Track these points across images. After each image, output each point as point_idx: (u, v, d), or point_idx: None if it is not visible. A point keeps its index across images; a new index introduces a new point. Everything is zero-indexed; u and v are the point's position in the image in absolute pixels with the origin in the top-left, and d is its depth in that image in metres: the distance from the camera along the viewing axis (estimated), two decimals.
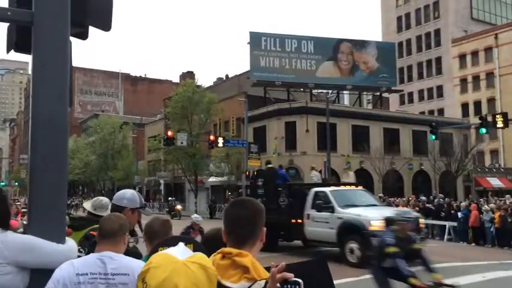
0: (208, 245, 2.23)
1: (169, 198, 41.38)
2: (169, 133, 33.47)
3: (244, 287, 1.63)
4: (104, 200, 4.17)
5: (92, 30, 3.30)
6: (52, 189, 2.59)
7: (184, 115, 40.15)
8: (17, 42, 3.09)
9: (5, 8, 2.87)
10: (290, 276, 1.51)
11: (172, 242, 1.72)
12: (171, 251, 1.64)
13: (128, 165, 52.59)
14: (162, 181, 51.97)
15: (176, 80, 68.23)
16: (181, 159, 40.35)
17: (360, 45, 44.49)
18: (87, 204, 4.19)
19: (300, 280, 1.50)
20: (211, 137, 32.78)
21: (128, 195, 3.37)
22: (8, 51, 3.39)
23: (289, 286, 1.50)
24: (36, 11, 2.67)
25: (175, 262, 1.57)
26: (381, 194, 28.31)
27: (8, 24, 3.09)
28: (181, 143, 33.57)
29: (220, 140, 32.08)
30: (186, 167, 40.88)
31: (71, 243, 2.60)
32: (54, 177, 2.60)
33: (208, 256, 1.74)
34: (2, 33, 3.29)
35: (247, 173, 32.45)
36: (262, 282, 1.60)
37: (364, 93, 48.35)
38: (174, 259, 1.58)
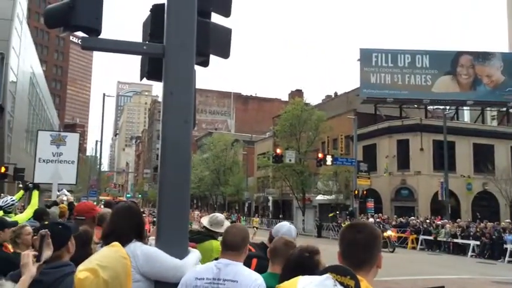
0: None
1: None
2: (278, 150, 34.06)
3: None
4: (220, 217, 4.41)
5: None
6: (177, 204, 2.83)
7: (292, 133, 40.65)
8: (149, 71, 3.46)
9: (141, 43, 3.25)
10: None
11: (337, 271, 1.62)
12: (307, 280, 1.65)
13: (238, 181, 54.55)
14: (270, 198, 52.88)
15: (285, 98, 69.45)
16: (289, 177, 40.74)
17: (482, 57, 41.08)
18: (205, 220, 4.47)
19: None
20: (320, 155, 32.62)
21: (283, 230, 3.42)
22: (141, 78, 3.82)
23: None
24: (167, 44, 2.97)
25: None
26: (508, 220, 25.49)
27: None
28: (290, 160, 33.96)
29: (329, 158, 31.81)
30: (293, 184, 41.16)
31: (190, 258, 2.77)
32: (179, 193, 2.84)
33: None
34: (127, 59, 3.70)
35: (356, 192, 31.63)
36: None
37: (488, 108, 44.31)
38: None
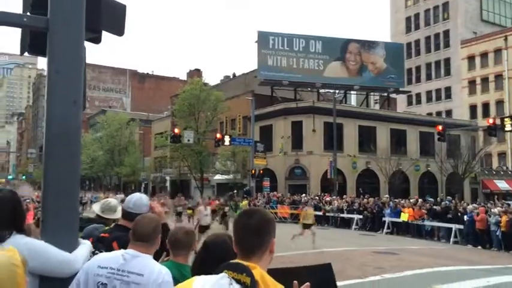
0: (209, 252, 2.15)
1: None
2: (176, 130, 33.54)
3: None
4: (112, 202, 4.20)
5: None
6: (65, 193, 2.62)
7: (191, 113, 40.24)
8: (30, 45, 3.13)
9: (21, 14, 2.90)
10: None
11: (233, 268, 1.63)
12: (203, 280, 1.64)
13: (134, 162, 52.80)
14: (168, 178, 52.11)
15: (184, 77, 68.33)
16: (188, 157, 40.45)
17: (368, 45, 44.31)
18: (96, 207, 4.23)
19: None
20: (218, 135, 32.84)
21: (134, 200, 3.34)
22: (21, 52, 3.43)
23: None
24: (51, 17, 2.69)
25: None
26: (387, 195, 28.23)
27: None
28: (188, 140, 33.67)
29: (227, 138, 32.17)
30: (192, 165, 40.98)
31: (80, 251, 2.59)
32: (67, 180, 2.63)
33: (211, 264, 1.78)
34: (13, 31, 3.32)
35: (253, 171, 32.51)
36: None
37: (372, 93, 48.18)
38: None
